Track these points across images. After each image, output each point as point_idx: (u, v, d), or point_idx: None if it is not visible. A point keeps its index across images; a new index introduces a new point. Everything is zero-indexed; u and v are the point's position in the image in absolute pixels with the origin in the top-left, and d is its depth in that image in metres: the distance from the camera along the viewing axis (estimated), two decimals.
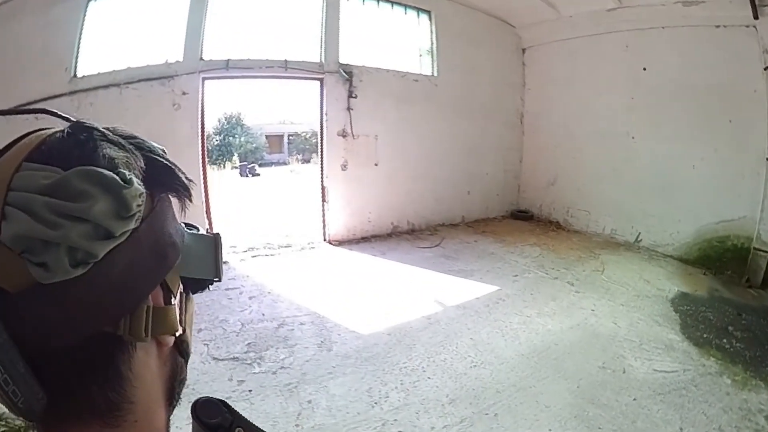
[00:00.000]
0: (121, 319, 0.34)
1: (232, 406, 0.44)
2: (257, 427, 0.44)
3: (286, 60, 5.33)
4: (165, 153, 0.41)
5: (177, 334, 0.40)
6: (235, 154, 22.80)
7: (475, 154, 7.07)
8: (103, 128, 0.37)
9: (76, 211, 0.31)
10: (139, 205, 0.34)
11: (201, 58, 5.01)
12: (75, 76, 4.69)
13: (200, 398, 0.43)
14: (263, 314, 3.73)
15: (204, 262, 0.44)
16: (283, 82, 5.90)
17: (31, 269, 0.30)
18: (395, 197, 6.36)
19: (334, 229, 5.94)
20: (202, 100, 4.97)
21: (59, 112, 0.44)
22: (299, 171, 19.42)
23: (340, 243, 5.90)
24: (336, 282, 4.56)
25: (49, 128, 0.36)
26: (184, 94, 4.85)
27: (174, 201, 0.42)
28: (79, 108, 4.70)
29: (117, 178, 0.33)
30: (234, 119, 24.92)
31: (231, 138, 24.17)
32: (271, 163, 24.14)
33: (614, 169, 5.86)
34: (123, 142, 0.37)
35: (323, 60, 5.62)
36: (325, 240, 5.98)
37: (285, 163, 23.80)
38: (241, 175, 18.73)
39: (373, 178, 6.14)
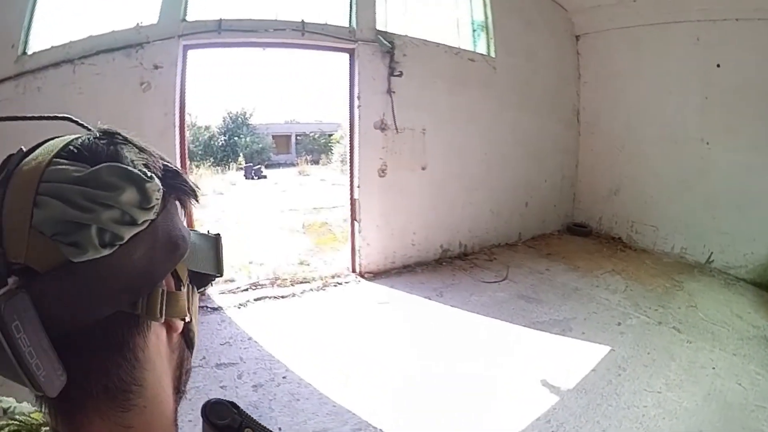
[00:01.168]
0: (139, 299, 0.36)
1: (242, 408, 0.45)
2: (267, 428, 0.45)
3: (303, 21, 3.79)
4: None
5: (186, 319, 0.42)
6: (241, 155, 21.50)
7: (535, 157, 5.63)
8: (125, 134, 0.40)
9: (106, 199, 0.33)
10: (157, 199, 0.37)
11: (183, 19, 3.51)
12: (24, 53, 3.45)
13: (211, 399, 0.45)
14: (279, 429, 2.19)
15: (207, 258, 0.46)
16: (297, 55, 4.37)
17: (63, 249, 0.32)
18: (447, 212, 4.82)
19: (368, 257, 4.39)
20: (183, 76, 3.44)
21: (80, 121, 0.41)
22: (308, 172, 18.21)
23: (375, 275, 4.36)
24: (383, 350, 3.01)
25: (71, 134, 0.39)
26: (156, 68, 3.33)
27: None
28: (25, 94, 3.46)
29: (140, 173, 0.36)
30: (239, 118, 23.79)
31: (236, 138, 23.07)
32: (278, 164, 22.93)
33: (685, 179, 5.05)
34: (143, 146, 0.41)
35: (354, 25, 4.08)
36: (355, 271, 4.43)
37: (293, 164, 22.41)
38: (247, 177, 17.54)
39: (420, 187, 4.60)
